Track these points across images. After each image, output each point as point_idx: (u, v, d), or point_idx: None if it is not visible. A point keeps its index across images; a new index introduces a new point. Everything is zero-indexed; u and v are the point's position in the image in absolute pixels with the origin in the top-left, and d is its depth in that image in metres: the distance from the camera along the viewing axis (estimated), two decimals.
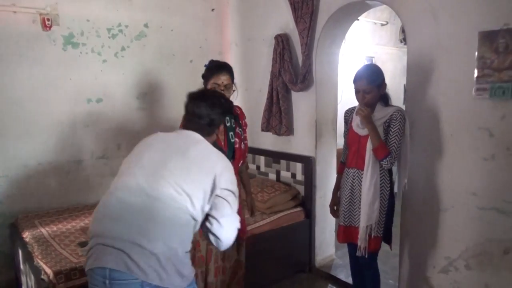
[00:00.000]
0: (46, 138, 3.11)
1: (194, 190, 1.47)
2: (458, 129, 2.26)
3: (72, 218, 2.90)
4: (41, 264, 2.17)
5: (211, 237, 1.55)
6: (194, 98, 1.70)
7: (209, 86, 2.13)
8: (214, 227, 1.52)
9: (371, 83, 2.16)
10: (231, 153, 2.17)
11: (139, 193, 1.44)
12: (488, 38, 2.07)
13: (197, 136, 1.64)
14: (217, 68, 2.15)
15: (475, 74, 2.14)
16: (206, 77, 2.18)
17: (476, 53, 2.13)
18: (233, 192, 1.57)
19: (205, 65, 2.24)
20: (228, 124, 2.19)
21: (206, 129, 1.67)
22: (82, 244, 2.38)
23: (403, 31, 5.15)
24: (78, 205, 3.21)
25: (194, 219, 1.47)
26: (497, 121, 2.10)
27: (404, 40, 5.21)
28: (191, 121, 1.68)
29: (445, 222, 2.38)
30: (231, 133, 2.19)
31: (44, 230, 2.65)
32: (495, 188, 2.14)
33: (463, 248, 2.31)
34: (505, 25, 2.01)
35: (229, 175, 1.57)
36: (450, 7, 2.22)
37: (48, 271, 2.08)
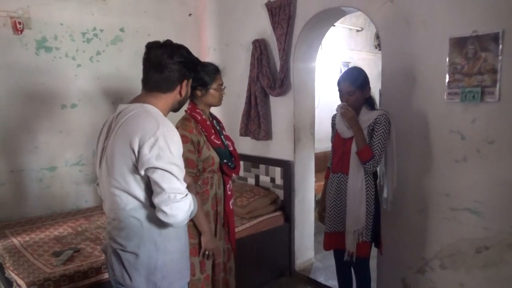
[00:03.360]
0: (18, 145, 3.01)
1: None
2: (431, 132, 2.33)
3: (45, 227, 2.81)
4: (13, 275, 2.09)
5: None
6: (151, 47, 1.50)
7: (213, 88, 2.03)
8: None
9: (354, 84, 2.18)
10: (229, 157, 2.12)
11: None
12: (458, 44, 2.15)
13: (133, 106, 1.45)
14: (216, 69, 2.09)
15: (447, 79, 2.22)
16: (209, 80, 2.03)
17: (447, 59, 2.20)
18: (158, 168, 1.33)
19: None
20: (217, 128, 2.16)
21: (164, 83, 1.48)
22: (57, 254, 2.31)
23: (377, 37, 5.28)
24: (52, 214, 3.12)
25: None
26: (468, 124, 2.17)
27: (378, 45, 5.34)
28: (147, 75, 1.50)
29: (419, 223, 2.44)
30: (222, 136, 2.15)
31: (16, 240, 2.55)
32: (467, 189, 2.21)
33: (438, 248, 2.37)
34: (474, 32, 2.09)
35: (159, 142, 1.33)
36: (422, 14, 2.30)
37: (21, 282, 2.01)
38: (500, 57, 2.01)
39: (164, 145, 1.33)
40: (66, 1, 3.15)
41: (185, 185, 1.40)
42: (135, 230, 1.44)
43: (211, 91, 2.04)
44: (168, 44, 1.51)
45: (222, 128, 2.23)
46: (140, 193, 1.40)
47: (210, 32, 3.93)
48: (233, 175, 2.17)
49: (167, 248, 1.48)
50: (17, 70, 2.96)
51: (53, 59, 3.13)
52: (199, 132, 2.00)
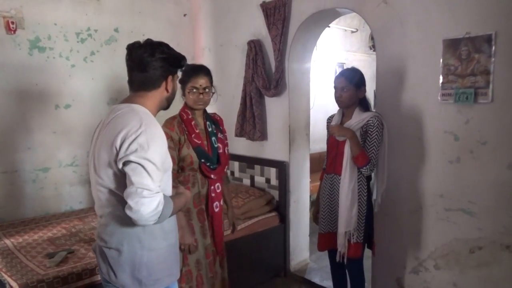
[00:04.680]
0: (11, 145, 2.99)
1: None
2: (425, 133, 2.34)
3: (39, 228, 2.78)
4: (6, 277, 2.07)
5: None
6: (131, 48, 1.52)
7: (187, 91, 2.07)
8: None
9: (349, 81, 2.21)
10: (216, 158, 2.14)
11: None
12: (451, 45, 2.17)
13: (121, 106, 1.48)
14: (194, 70, 2.08)
15: (440, 80, 2.23)
16: (183, 81, 2.08)
17: (441, 60, 2.22)
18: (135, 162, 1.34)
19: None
20: (209, 129, 2.16)
21: (148, 81, 1.49)
22: (50, 255, 2.29)
23: (372, 38, 5.30)
24: (45, 215, 3.09)
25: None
26: (461, 125, 2.18)
27: (373, 47, 5.37)
28: (131, 76, 1.52)
29: (414, 224, 2.45)
30: (213, 138, 2.16)
31: (8, 242, 2.53)
32: (461, 190, 2.23)
33: (432, 248, 2.38)
34: (467, 34, 2.10)
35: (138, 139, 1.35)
36: (416, 16, 2.31)
37: (14, 284, 1.99)
38: (493, 59, 2.02)
39: (143, 141, 1.34)
40: (60, 1, 3.13)
41: (158, 184, 1.37)
42: (118, 226, 1.45)
43: (185, 92, 2.09)
44: (148, 43, 1.51)
45: (220, 130, 2.23)
46: (122, 190, 1.39)
47: (205, 33, 3.93)
48: (212, 176, 2.14)
49: (152, 245, 1.49)
50: (10, 70, 2.94)
51: (46, 59, 3.11)
52: (182, 130, 2.04)
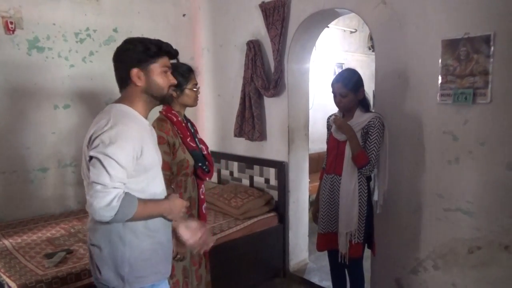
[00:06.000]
0: (10, 145, 2.98)
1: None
2: (424, 133, 2.34)
3: (38, 229, 2.78)
4: (4, 277, 2.07)
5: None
6: None
7: (189, 89, 2.05)
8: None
9: (346, 86, 2.19)
10: (203, 160, 2.12)
11: None
12: (450, 46, 2.17)
13: (107, 107, 1.52)
14: (192, 70, 2.10)
15: (439, 81, 2.23)
16: (184, 80, 2.04)
17: (440, 61, 2.22)
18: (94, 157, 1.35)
19: None
20: (192, 131, 2.15)
21: (119, 79, 1.56)
22: (49, 256, 2.29)
23: (371, 38, 5.31)
24: (44, 215, 3.09)
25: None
26: (460, 126, 2.19)
27: (372, 47, 5.37)
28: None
29: (413, 224, 2.45)
30: (196, 139, 2.13)
31: (7, 242, 2.53)
32: (459, 190, 2.23)
33: (430, 248, 2.39)
34: (465, 34, 2.10)
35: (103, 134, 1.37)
36: (415, 16, 2.31)
37: (12, 284, 1.99)
38: (491, 59, 2.03)
39: (106, 138, 1.36)
40: (59, 1, 3.13)
41: (118, 181, 1.34)
42: (99, 223, 1.45)
43: (187, 91, 2.05)
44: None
45: (196, 131, 2.22)
46: None
47: (204, 33, 3.93)
48: (207, 179, 2.15)
49: (134, 242, 1.47)
50: (9, 70, 2.93)
51: (45, 59, 3.10)
52: (175, 134, 2.00)
